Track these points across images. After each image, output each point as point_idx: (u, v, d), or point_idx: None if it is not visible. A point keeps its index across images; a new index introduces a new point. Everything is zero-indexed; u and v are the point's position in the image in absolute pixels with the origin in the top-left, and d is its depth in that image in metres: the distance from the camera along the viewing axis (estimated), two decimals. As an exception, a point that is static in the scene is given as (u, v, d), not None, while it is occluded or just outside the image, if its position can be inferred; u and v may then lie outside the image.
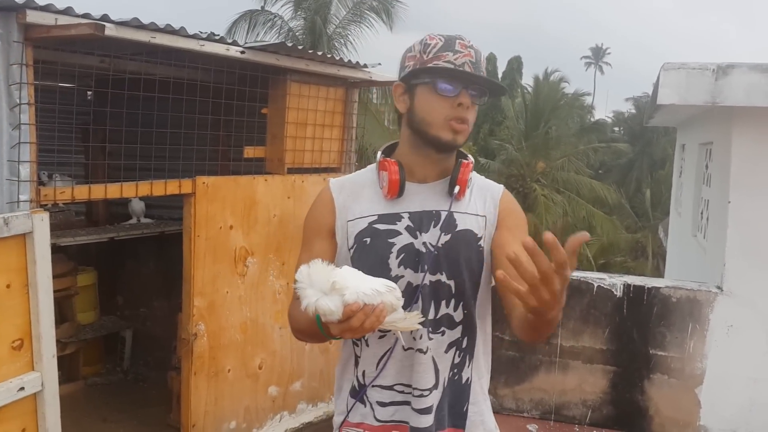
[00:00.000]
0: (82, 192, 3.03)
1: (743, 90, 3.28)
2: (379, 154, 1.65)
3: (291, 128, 3.87)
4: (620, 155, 26.94)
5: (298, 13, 17.97)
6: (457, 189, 1.57)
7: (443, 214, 1.57)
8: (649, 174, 25.61)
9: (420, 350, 1.55)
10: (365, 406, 1.61)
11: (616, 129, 32.88)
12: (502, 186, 1.71)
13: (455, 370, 1.60)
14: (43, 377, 2.66)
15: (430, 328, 1.55)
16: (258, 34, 17.52)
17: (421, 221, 1.56)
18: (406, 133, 1.61)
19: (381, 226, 1.57)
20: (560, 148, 20.03)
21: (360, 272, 1.38)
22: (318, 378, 4.28)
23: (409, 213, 1.57)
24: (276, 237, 3.87)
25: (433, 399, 1.56)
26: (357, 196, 1.62)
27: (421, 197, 1.59)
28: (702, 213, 4.92)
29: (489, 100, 1.61)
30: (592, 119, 28.25)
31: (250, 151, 3.85)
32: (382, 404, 1.59)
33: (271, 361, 3.94)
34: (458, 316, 1.58)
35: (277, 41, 14.91)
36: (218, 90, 3.67)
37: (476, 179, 1.69)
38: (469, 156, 1.66)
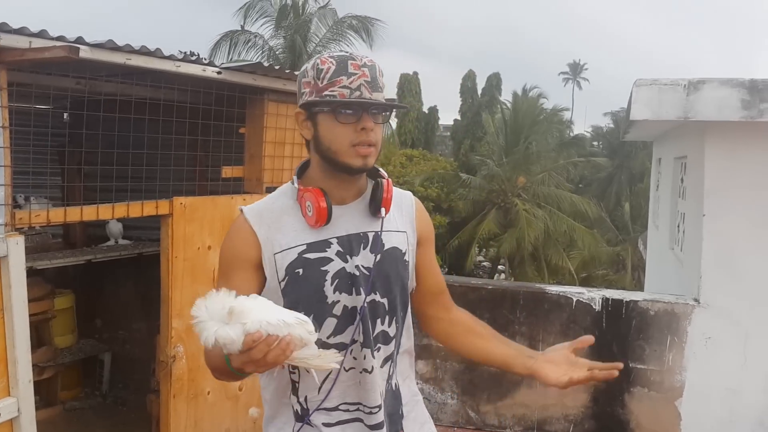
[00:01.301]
0: (57, 215, 3.01)
1: (714, 105, 3.34)
2: (294, 178, 1.63)
3: (269, 147, 3.86)
4: (599, 169, 27.20)
5: (278, 32, 18.06)
6: (383, 211, 1.59)
7: (370, 236, 1.59)
8: (629, 188, 25.88)
9: (365, 370, 1.57)
10: (312, 427, 1.59)
11: (595, 143, 33.21)
12: (410, 194, 1.74)
13: (389, 381, 1.65)
14: (20, 403, 2.62)
15: (371, 348, 1.57)
16: (239, 54, 17.61)
17: (350, 245, 1.57)
18: (316, 158, 1.60)
19: (311, 255, 1.54)
20: (540, 163, 20.19)
21: (268, 301, 1.34)
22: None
23: (337, 238, 1.57)
24: (255, 256, 3.85)
25: (382, 414, 1.60)
26: (279, 226, 1.58)
27: (344, 220, 1.59)
28: (678, 226, 4.98)
29: (390, 115, 1.62)
30: (571, 134, 28.50)
31: (228, 171, 3.84)
32: (328, 425, 1.58)
33: (251, 383, 3.90)
34: (392, 331, 1.62)
35: (257, 60, 14.96)
36: (195, 110, 3.67)
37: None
38: (382, 170, 1.66)
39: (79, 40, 2.73)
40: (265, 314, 1.27)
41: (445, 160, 25.25)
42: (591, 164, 25.54)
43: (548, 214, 18.75)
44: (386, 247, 1.60)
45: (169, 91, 3.68)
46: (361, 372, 1.57)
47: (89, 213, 3.09)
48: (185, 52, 3.47)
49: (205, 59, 3.48)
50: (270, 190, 3.92)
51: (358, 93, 1.48)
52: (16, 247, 2.58)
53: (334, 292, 1.54)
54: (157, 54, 3.04)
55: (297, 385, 1.59)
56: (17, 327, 2.58)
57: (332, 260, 1.55)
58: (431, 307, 1.78)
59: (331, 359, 1.40)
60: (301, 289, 1.53)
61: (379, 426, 1.59)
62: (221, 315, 1.25)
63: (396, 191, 1.69)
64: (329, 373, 1.56)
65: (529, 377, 1.71)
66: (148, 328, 4.82)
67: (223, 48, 17.78)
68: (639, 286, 16.88)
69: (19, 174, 3.17)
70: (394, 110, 1.64)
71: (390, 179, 1.64)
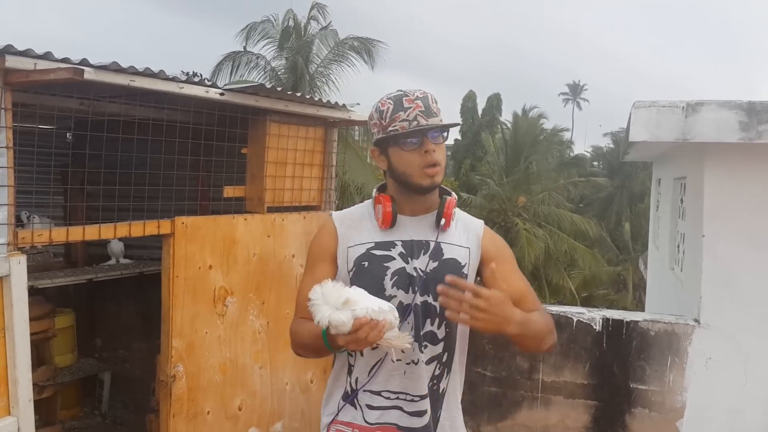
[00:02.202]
0: (60, 234, 3.03)
1: (713, 126, 3.36)
2: (374, 191, 1.92)
3: (271, 167, 3.89)
4: (600, 189, 27.24)
5: (281, 53, 18.17)
6: (443, 221, 1.83)
7: (431, 244, 1.84)
8: (629, 207, 25.88)
9: (413, 361, 1.79)
10: (356, 409, 1.84)
11: (595, 163, 33.29)
12: (481, 221, 1.97)
13: (434, 381, 1.84)
14: (20, 422, 2.62)
15: (425, 344, 1.79)
16: (241, 75, 17.71)
17: (412, 249, 1.82)
18: (392, 183, 1.88)
19: (377, 252, 1.82)
20: (541, 182, 20.23)
21: (365, 292, 1.64)
22: (299, 418, 4.24)
23: (402, 241, 1.83)
24: (256, 276, 3.86)
25: (426, 404, 1.81)
26: (356, 227, 1.88)
27: (412, 228, 1.85)
28: (678, 246, 4.99)
29: (447, 135, 1.85)
30: (571, 154, 28.59)
31: (229, 191, 3.86)
32: (371, 407, 1.82)
33: (251, 402, 3.90)
34: (441, 333, 1.82)
35: (259, 81, 15.03)
36: (198, 131, 3.70)
37: (460, 215, 1.95)
38: (452, 193, 1.92)
39: (84, 62, 2.77)
40: (370, 303, 1.56)
41: (445, 179, 25.31)
42: (591, 184, 25.61)
43: (549, 234, 18.74)
44: (445, 256, 1.83)
45: (172, 112, 3.72)
46: (408, 363, 1.78)
47: (91, 232, 3.10)
48: (188, 73, 3.51)
49: (208, 80, 3.51)
50: (271, 209, 3.96)
51: (415, 123, 1.75)
52: (18, 267, 2.60)
53: (392, 287, 1.79)
54: (160, 75, 3.08)
55: (352, 367, 1.84)
56: (18, 346, 2.59)
57: (394, 259, 1.81)
58: None
59: (406, 340, 1.67)
60: (365, 279, 1.78)
61: (421, 413, 1.81)
62: (335, 302, 1.53)
63: (467, 216, 1.96)
64: (378, 360, 1.79)
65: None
66: (149, 348, 4.82)
67: (225, 68, 17.89)
68: (640, 305, 16.82)
69: (22, 193, 3.19)
70: (451, 128, 1.86)
71: (454, 199, 1.90)
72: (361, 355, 1.81)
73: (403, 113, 1.76)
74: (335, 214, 1.95)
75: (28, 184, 3.70)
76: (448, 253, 1.84)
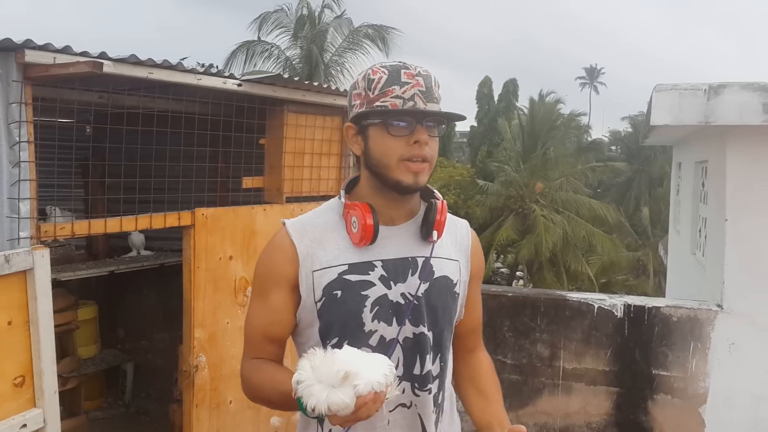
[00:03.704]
0: (82, 227, 3.05)
1: (735, 109, 3.31)
2: (342, 193, 1.51)
3: (289, 158, 3.90)
4: (618, 174, 27.03)
5: (295, 42, 18.17)
6: (436, 235, 1.46)
7: (420, 261, 1.46)
8: (648, 192, 25.67)
9: (403, 405, 1.46)
10: None
11: (613, 148, 33.01)
12: (466, 222, 1.62)
13: (437, 429, 1.52)
14: (45, 414, 2.65)
15: (416, 384, 1.45)
16: (255, 65, 17.72)
17: (396, 270, 1.44)
18: (366, 174, 1.48)
19: (352, 277, 1.42)
20: (558, 168, 20.11)
21: (359, 353, 1.27)
22: (321, 407, 4.26)
23: (382, 261, 1.44)
24: (276, 266, 3.87)
25: None
26: (321, 242, 1.46)
27: (394, 242, 1.46)
28: (700, 231, 4.94)
29: (446, 128, 1.49)
30: (588, 139, 28.39)
31: (248, 182, 3.88)
32: None
33: (273, 391, 3.92)
34: (435, 369, 1.49)
35: (274, 71, 15.05)
36: (216, 122, 3.71)
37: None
38: (436, 192, 1.55)
39: (102, 55, 2.78)
40: (372, 373, 1.22)
41: (462, 166, 25.23)
42: (609, 169, 25.42)
43: (566, 220, 18.64)
44: (436, 275, 1.47)
45: (191, 104, 3.73)
46: (392, 410, 1.44)
47: (113, 225, 3.13)
48: (205, 65, 3.51)
49: (226, 72, 3.51)
50: (290, 200, 3.97)
51: (411, 103, 1.38)
52: (42, 260, 2.62)
53: (372, 321, 1.41)
54: (178, 68, 3.08)
55: (323, 417, 1.43)
56: (43, 338, 2.62)
57: (374, 285, 1.43)
58: (457, 343, 1.62)
59: (394, 388, 1.33)
60: (338, 312, 1.42)
61: None
62: (332, 379, 1.20)
63: (450, 218, 1.57)
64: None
65: None
66: (171, 338, 4.86)
67: (239, 58, 17.92)
68: (660, 291, 16.72)
69: (43, 187, 3.22)
70: (454, 122, 1.51)
71: (444, 201, 1.52)
72: None
73: (399, 88, 1.37)
74: (291, 223, 1.50)
75: (49, 178, 3.73)
76: (439, 270, 1.48)
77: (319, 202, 4.34)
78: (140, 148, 3.63)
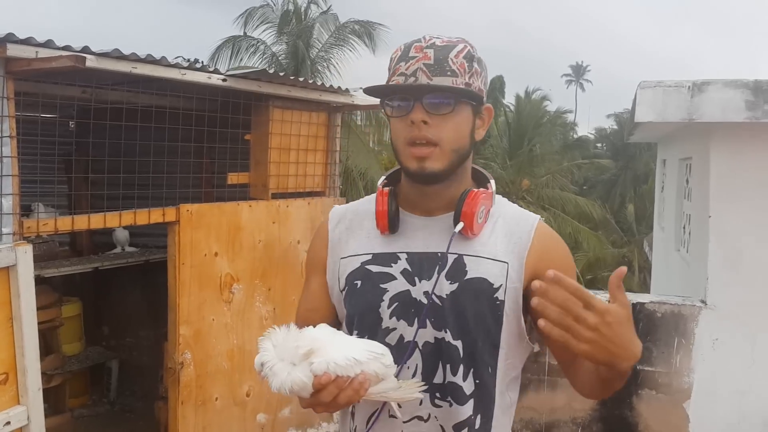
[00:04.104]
0: (65, 223, 3.03)
1: (719, 106, 3.34)
2: (380, 180, 1.40)
3: (274, 153, 3.88)
4: (604, 171, 27.16)
5: (281, 37, 18.09)
6: (460, 226, 1.27)
7: (450, 258, 1.28)
8: (633, 189, 25.82)
9: (420, 417, 1.28)
10: None
11: (599, 145, 33.19)
12: (535, 218, 1.37)
13: None
14: (29, 411, 2.63)
15: (437, 394, 1.27)
16: (241, 60, 17.62)
17: (421, 265, 1.29)
18: None
19: (374, 268, 1.31)
20: (544, 165, 20.19)
21: (338, 332, 1.20)
22: (307, 403, 4.25)
23: (408, 254, 1.31)
24: (262, 262, 3.86)
25: None
26: (355, 230, 1.38)
27: (425, 234, 1.32)
28: (684, 227, 4.98)
29: (454, 104, 1.25)
30: (574, 136, 28.53)
31: (233, 178, 3.86)
32: None
33: (259, 388, 3.91)
34: (468, 387, 1.27)
35: (260, 66, 14.96)
36: (201, 117, 3.69)
37: (504, 211, 1.37)
38: (492, 181, 1.38)
39: (85, 50, 2.75)
40: (335, 352, 1.11)
41: (448, 163, 25.22)
42: (595, 166, 25.53)
43: (553, 216, 18.71)
44: (469, 275, 1.27)
45: (175, 99, 3.70)
46: (408, 421, 1.28)
47: (96, 221, 3.10)
48: (190, 60, 3.49)
49: (211, 67, 3.49)
50: (276, 196, 3.96)
51: (413, 79, 1.22)
52: (25, 256, 2.60)
53: (390, 317, 1.28)
54: (162, 62, 3.06)
55: (354, 409, 1.35)
56: (26, 335, 2.60)
57: (395, 279, 1.29)
58: (570, 365, 1.36)
59: (413, 390, 1.22)
60: (357, 304, 1.31)
61: None
62: (292, 355, 1.10)
63: (516, 212, 1.38)
64: (376, 410, 1.30)
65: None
66: (156, 335, 4.83)
67: (224, 53, 17.82)
68: (645, 287, 16.83)
69: (26, 183, 3.19)
70: (471, 99, 1.27)
71: (486, 190, 1.33)
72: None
73: (404, 64, 1.23)
74: (335, 209, 1.44)
75: (31, 174, 3.69)
76: (474, 270, 1.27)
77: (305, 199, 4.35)
78: (124, 144, 3.60)
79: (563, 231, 18.59)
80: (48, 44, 2.66)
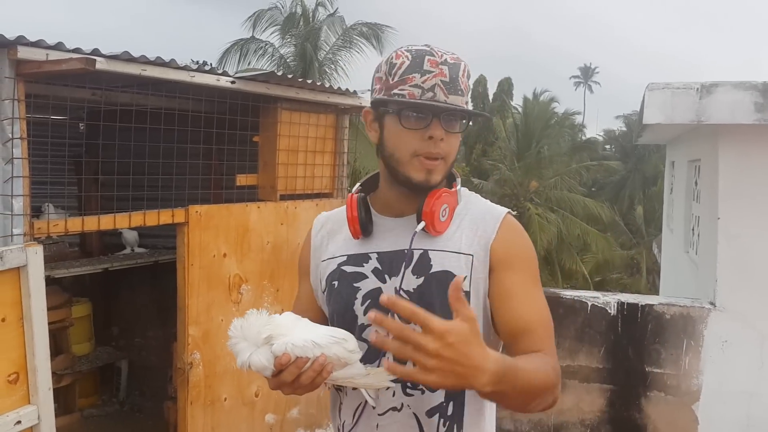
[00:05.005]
0: (75, 224, 3.05)
1: (727, 108, 3.33)
2: (356, 186, 1.49)
3: (283, 155, 3.90)
4: (612, 173, 27.08)
5: (288, 39, 18.13)
6: (422, 225, 1.33)
7: (415, 254, 1.35)
8: (642, 191, 25.72)
9: (394, 408, 1.34)
10: None
11: (608, 147, 33.08)
12: (502, 211, 1.42)
13: None
14: (40, 410, 2.65)
15: (408, 383, 1.31)
16: (250, 63, 17.69)
17: (390, 263, 1.36)
18: (382, 165, 1.42)
19: (348, 268, 1.39)
20: (552, 167, 20.13)
21: (304, 320, 1.27)
22: (315, 404, 4.26)
23: (378, 253, 1.39)
24: (270, 264, 3.88)
25: None
26: (335, 234, 1.47)
27: (395, 234, 1.39)
28: (693, 229, 4.96)
29: (469, 125, 1.37)
30: (583, 138, 28.43)
31: (242, 179, 3.87)
32: None
33: (267, 389, 3.91)
34: None
35: (268, 69, 15.01)
36: (210, 119, 3.70)
37: (472, 207, 1.43)
38: (457, 179, 1.44)
39: (95, 52, 2.77)
40: (295, 335, 1.20)
41: (456, 165, 25.22)
42: (603, 168, 25.44)
43: (561, 218, 18.67)
44: (434, 269, 1.34)
45: (184, 101, 3.72)
46: (383, 414, 1.35)
47: (106, 222, 3.13)
48: (199, 62, 3.51)
49: (219, 69, 3.51)
50: (284, 197, 3.97)
51: (430, 94, 1.28)
52: (35, 257, 2.61)
53: (365, 314, 1.35)
54: (171, 65, 3.08)
55: (341, 405, 1.43)
56: (36, 335, 2.62)
57: (366, 277, 1.38)
58: (507, 351, 1.35)
59: (382, 378, 1.26)
60: (335, 303, 1.40)
61: None
62: (256, 338, 1.19)
63: (483, 207, 1.44)
64: (360, 403, 1.37)
65: None
66: (165, 336, 4.85)
67: (233, 56, 17.88)
68: (654, 289, 16.77)
69: (36, 184, 3.22)
70: (477, 119, 1.37)
71: (449, 189, 1.39)
72: (346, 394, 1.40)
73: (419, 76, 1.27)
74: (319, 217, 1.54)
75: (42, 175, 3.72)
76: (439, 264, 1.34)
77: (313, 200, 4.36)
78: (134, 146, 3.63)
79: (572, 233, 18.56)
80: (58, 46, 2.69)
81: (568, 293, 3.80)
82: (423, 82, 1.28)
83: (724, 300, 3.54)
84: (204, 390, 3.55)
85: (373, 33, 17.71)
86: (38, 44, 2.63)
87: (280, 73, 3.69)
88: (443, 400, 1.33)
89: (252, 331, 1.19)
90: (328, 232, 1.49)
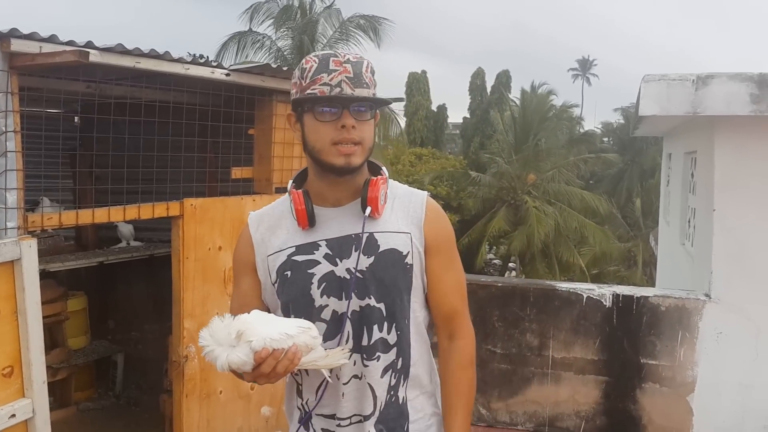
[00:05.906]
0: (69, 217, 3.04)
1: (723, 99, 3.32)
2: (290, 183, 1.63)
3: (278, 148, 3.89)
4: (610, 165, 27.07)
5: (285, 32, 18.08)
6: (369, 210, 1.53)
7: (363, 237, 1.53)
8: (639, 183, 25.76)
9: (356, 376, 1.54)
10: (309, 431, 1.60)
11: (606, 139, 33.04)
12: (423, 195, 1.64)
13: (392, 393, 1.57)
14: (34, 404, 2.65)
15: (364, 355, 1.53)
16: (247, 55, 17.64)
17: (340, 248, 1.54)
18: (308, 160, 1.58)
19: (299, 258, 1.55)
20: (550, 159, 20.12)
21: (269, 315, 1.44)
22: (311, 397, 4.26)
23: (327, 240, 1.55)
24: (265, 257, 3.87)
25: (369, 425, 1.56)
26: (275, 229, 1.62)
27: (338, 222, 1.56)
28: (689, 221, 4.96)
29: (376, 111, 1.56)
30: (581, 130, 28.39)
31: (237, 172, 3.87)
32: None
33: (263, 382, 3.93)
34: (392, 338, 1.55)
35: (265, 61, 14.97)
36: (204, 112, 3.69)
37: (397, 192, 1.63)
38: (383, 168, 1.63)
39: (89, 45, 2.76)
40: (268, 330, 1.33)
41: (454, 158, 25.23)
42: (601, 160, 25.43)
43: (559, 211, 18.68)
44: (382, 248, 1.54)
45: (179, 94, 3.71)
46: (346, 383, 1.54)
47: (101, 215, 3.12)
48: (194, 55, 3.50)
49: (214, 62, 3.50)
50: (279, 190, 3.96)
51: (338, 89, 1.46)
52: (29, 250, 2.61)
53: (321, 296, 1.53)
54: (166, 57, 3.07)
55: (300, 387, 1.60)
56: (31, 329, 2.61)
57: (319, 263, 1.54)
58: (436, 328, 1.67)
59: (339, 356, 1.45)
60: (290, 291, 1.55)
61: None
62: (228, 339, 1.31)
63: (407, 191, 1.65)
64: (323, 379, 1.54)
65: None
66: (160, 329, 4.85)
67: (230, 49, 17.83)
68: (650, 282, 16.80)
69: (31, 177, 3.21)
70: (384, 106, 1.61)
71: (382, 177, 1.59)
72: (307, 374, 1.56)
73: (326, 76, 1.46)
74: (252, 215, 1.69)
75: (36, 168, 3.71)
76: (385, 243, 1.55)
77: (308, 193, 4.33)
78: (128, 138, 3.62)
79: (569, 225, 18.59)
80: (52, 39, 2.67)
81: (564, 285, 3.81)
82: (330, 80, 1.46)
83: (720, 292, 3.54)
84: (199, 383, 3.55)
85: (371, 25, 17.67)
86: (31, 37, 2.62)
87: (275, 66, 3.68)
88: (394, 358, 1.56)
89: (222, 334, 1.32)
90: (267, 228, 1.63)
